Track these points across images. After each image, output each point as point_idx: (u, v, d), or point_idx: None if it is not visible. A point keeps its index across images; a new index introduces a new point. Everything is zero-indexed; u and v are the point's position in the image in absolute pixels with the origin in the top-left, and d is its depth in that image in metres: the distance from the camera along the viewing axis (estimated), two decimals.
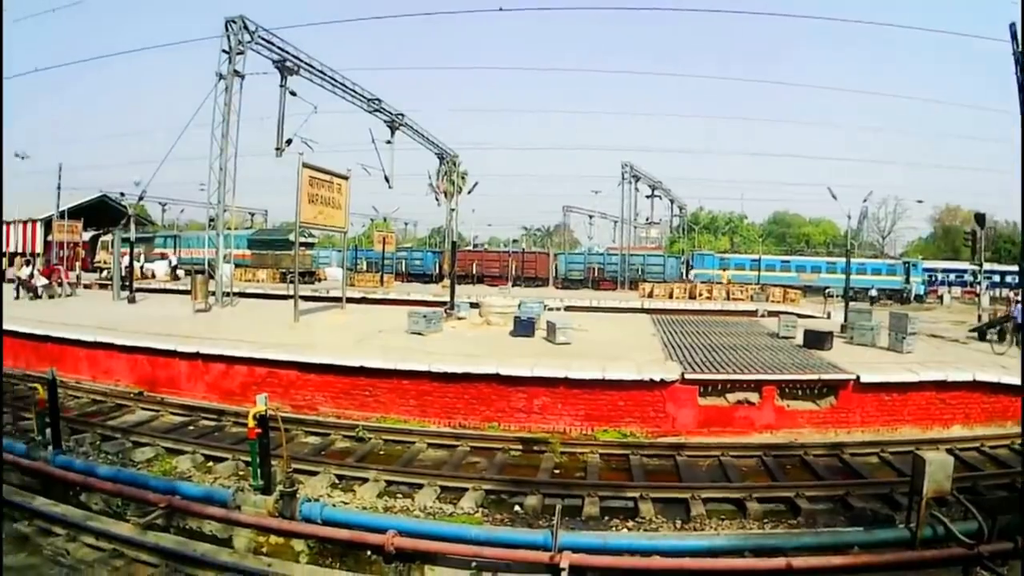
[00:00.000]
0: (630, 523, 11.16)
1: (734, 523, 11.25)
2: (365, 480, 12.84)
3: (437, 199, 58.92)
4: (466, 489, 12.41)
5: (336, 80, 40.03)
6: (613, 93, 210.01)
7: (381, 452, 14.98)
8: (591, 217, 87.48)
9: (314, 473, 13.02)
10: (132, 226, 37.55)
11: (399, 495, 12.37)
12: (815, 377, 16.75)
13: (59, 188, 67.05)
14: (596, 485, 12.58)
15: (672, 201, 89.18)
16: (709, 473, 13.82)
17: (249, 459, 12.59)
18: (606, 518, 11.38)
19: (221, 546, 9.93)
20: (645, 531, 10.75)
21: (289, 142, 35.05)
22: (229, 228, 35.24)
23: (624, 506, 11.89)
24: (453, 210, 58.42)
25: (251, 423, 10.59)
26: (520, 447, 14.94)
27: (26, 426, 15.94)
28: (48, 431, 12.94)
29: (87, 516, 10.72)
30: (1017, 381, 16.46)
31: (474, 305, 27.92)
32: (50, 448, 12.72)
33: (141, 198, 45.17)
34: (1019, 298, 25.10)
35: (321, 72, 38.33)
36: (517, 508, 11.75)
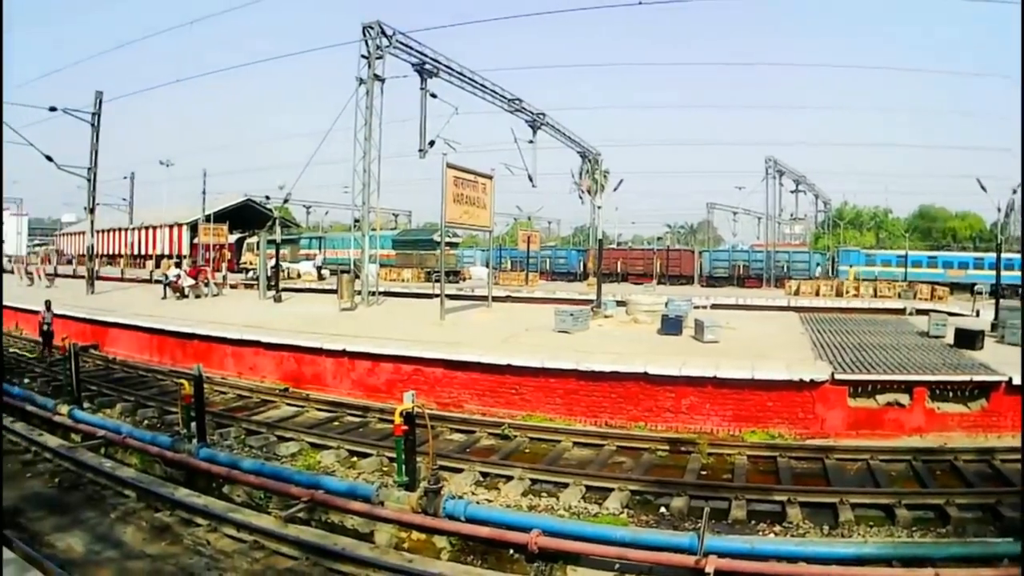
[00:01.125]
0: (777, 528, 10.75)
1: (882, 530, 10.70)
2: (510, 478, 12.75)
3: (581, 197, 58.77)
4: (611, 489, 12.18)
5: (476, 81, 40.19)
6: (756, 86, 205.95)
7: (526, 450, 14.91)
8: (735, 213, 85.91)
9: (459, 470, 12.99)
10: (278, 228, 38.53)
11: (544, 494, 12.23)
12: (966, 379, 15.76)
13: (204, 193, 69.34)
14: (743, 488, 12.16)
15: (816, 196, 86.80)
16: (858, 477, 13.21)
17: (393, 455, 12.70)
18: (752, 522, 11.00)
19: (362, 541, 9.99)
20: (792, 536, 10.33)
21: (432, 143, 35.40)
22: (374, 229, 35.69)
23: (771, 510, 11.45)
24: (599, 207, 58.03)
25: (398, 420, 10.62)
26: (667, 447, 14.60)
27: (171, 420, 16.70)
28: (193, 425, 13.28)
29: (229, 508, 10.96)
30: None
31: (621, 303, 27.64)
32: (194, 441, 13.07)
33: (286, 201, 46.35)
34: None
35: (460, 74, 38.53)
36: (663, 510, 11.47)
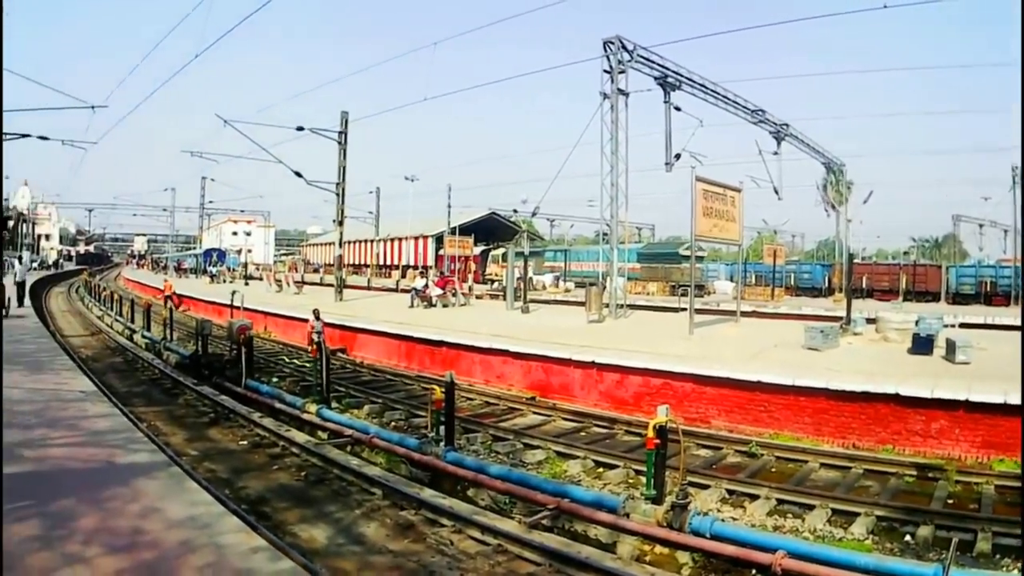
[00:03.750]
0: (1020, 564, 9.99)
1: None
2: (756, 497, 12.40)
3: (826, 210, 57.10)
4: (857, 514, 11.63)
5: (718, 93, 39.76)
6: (1001, 89, 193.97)
7: (773, 469, 14.44)
8: (981, 226, 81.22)
9: (705, 486, 12.74)
10: (525, 240, 39.23)
11: (789, 515, 11.83)
12: None
13: (449, 206, 71.49)
14: (989, 519, 11.28)
15: None
16: None
17: (640, 468, 12.69)
18: (997, 556, 10.28)
19: (605, 551, 9.90)
20: None
21: (678, 156, 35.20)
22: (622, 242, 35.74)
23: (1016, 544, 10.68)
24: (849, 221, 56.21)
25: (650, 433, 10.51)
26: (914, 472, 13.85)
27: (418, 423, 17.36)
28: (442, 429, 13.58)
29: (473, 511, 11.08)
30: None
31: (870, 320, 26.59)
32: (442, 445, 13.33)
33: (534, 214, 47.30)
34: None
35: (702, 86, 38.21)
36: (908, 538, 10.89)
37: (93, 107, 35.86)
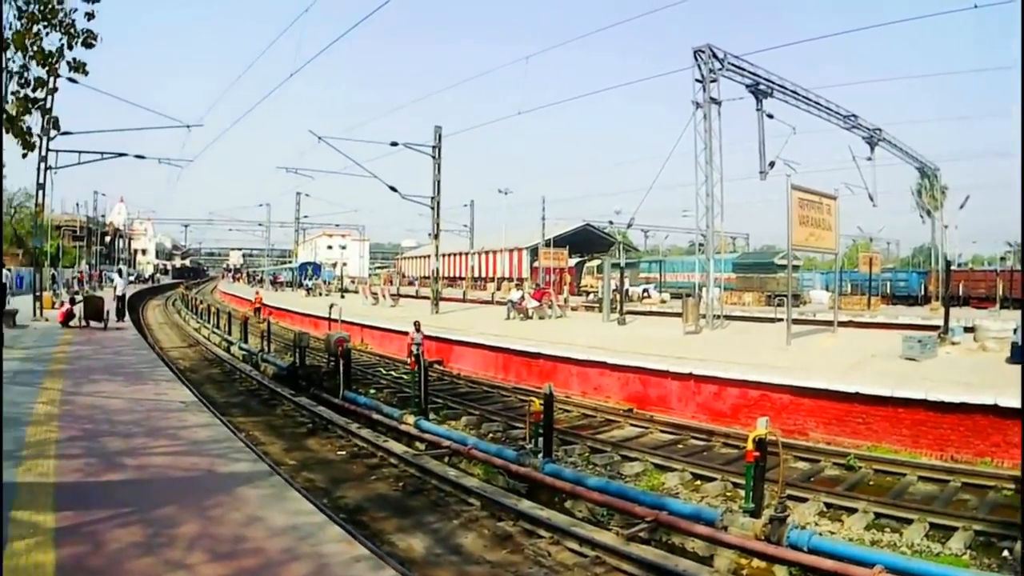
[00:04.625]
0: None
1: None
2: (853, 511, 12.23)
3: (921, 216, 55.90)
4: (955, 528, 11.40)
5: (809, 99, 39.15)
6: None
7: (871, 483, 14.22)
8: None
9: (803, 500, 12.65)
10: (621, 252, 39.21)
11: (887, 529, 11.67)
12: None
13: (543, 218, 71.61)
14: None
15: None
16: None
17: (737, 480, 12.62)
18: None
19: (702, 564, 9.95)
20: None
21: (772, 165, 34.84)
22: (717, 252, 35.46)
23: None
24: (945, 227, 54.94)
25: (750, 445, 10.48)
26: (1012, 486, 13.48)
27: (515, 435, 17.49)
28: (540, 441, 13.60)
29: (571, 522, 11.17)
30: None
31: (967, 329, 25.97)
32: (540, 456, 13.37)
33: (629, 225, 47.32)
34: None
35: (794, 92, 37.65)
36: (1005, 553, 10.67)
37: (189, 126, 37.09)
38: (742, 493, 11.54)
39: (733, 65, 32.92)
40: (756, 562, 9.93)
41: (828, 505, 12.59)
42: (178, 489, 9.40)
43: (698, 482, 14.13)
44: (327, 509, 9.96)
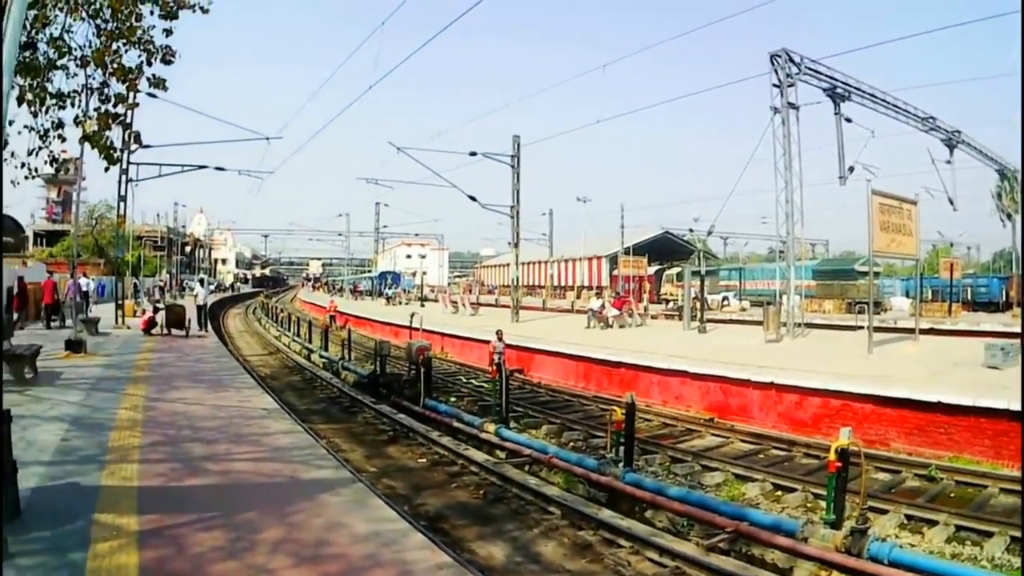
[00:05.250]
0: None
1: None
2: (934, 523, 12.09)
3: (1002, 219, 54.81)
4: None
5: (887, 102, 38.57)
6: None
7: (952, 494, 14.02)
8: None
9: (883, 511, 12.52)
10: (701, 259, 39.04)
11: (968, 542, 11.49)
12: None
13: (622, 226, 71.49)
14: None
15: None
16: None
17: (818, 492, 12.59)
18: None
19: None
20: None
21: (851, 169, 34.44)
22: (798, 259, 35.15)
23: None
24: None
25: (832, 456, 10.44)
26: None
27: (595, 444, 17.45)
28: (621, 450, 13.60)
29: (651, 532, 11.23)
30: None
31: None
32: (621, 466, 13.38)
33: (710, 232, 47.03)
34: None
35: (871, 95, 37.13)
36: None
37: (268, 138, 37.69)
38: (823, 504, 11.53)
39: (810, 69, 32.68)
40: (836, 574, 9.90)
41: (909, 517, 12.46)
42: (260, 495, 9.62)
43: (779, 492, 14.07)
44: (408, 516, 10.04)
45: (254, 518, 8.51)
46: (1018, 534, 11.48)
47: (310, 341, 37.93)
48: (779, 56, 31.45)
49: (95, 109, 14.31)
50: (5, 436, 7.65)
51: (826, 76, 33.83)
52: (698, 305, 37.91)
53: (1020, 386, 14.59)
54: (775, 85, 31.51)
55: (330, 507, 9.10)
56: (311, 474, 10.73)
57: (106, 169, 15.92)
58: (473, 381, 28.17)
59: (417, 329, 30.73)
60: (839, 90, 34.64)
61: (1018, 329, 27.10)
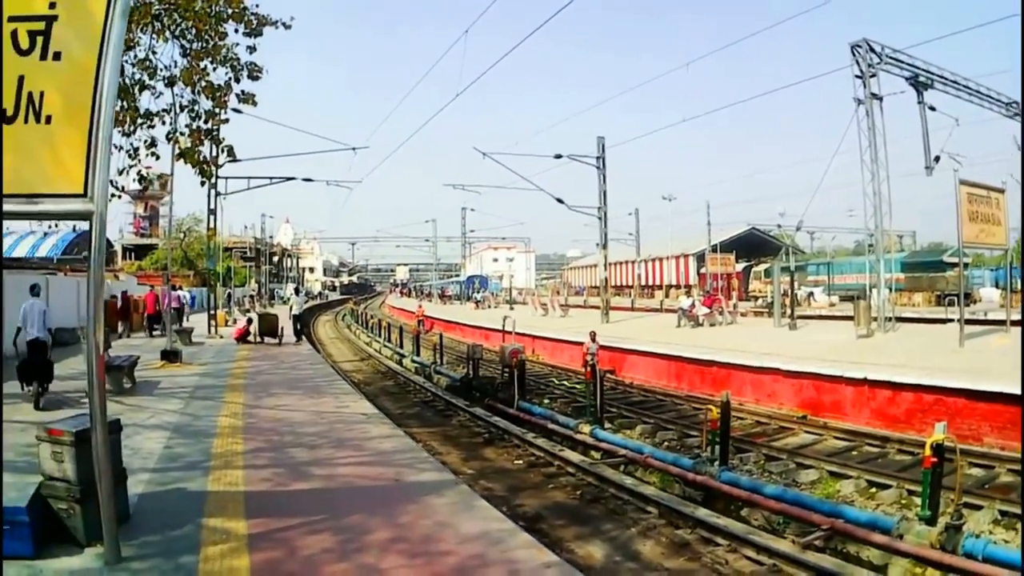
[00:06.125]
0: None
1: None
2: None
3: None
4: None
5: (970, 88, 37.86)
6: None
7: None
8: None
9: (977, 507, 12.45)
10: (791, 255, 38.69)
11: None
12: None
13: (708, 224, 71.08)
14: None
15: None
16: None
17: (912, 488, 12.69)
18: None
19: (876, 573, 10.05)
20: None
21: (937, 159, 33.93)
22: (886, 252, 34.68)
23: None
24: None
25: (927, 451, 10.47)
26: None
27: (690, 443, 17.62)
28: (716, 449, 13.74)
29: (747, 530, 11.33)
30: None
31: None
32: (716, 464, 13.52)
33: (798, 228, 46.58)
34: None
35: (954, 82, 36.49)
36: None
37: (355, 148, 38.63)
38: (917, 500, 11.61)
39: (891, 58, 32.21)
40: (931, 571, 9.94)
41: (1003, 513, 12.40)
42: (366, 497, 9.91)
43: (873, 489, 14.06)
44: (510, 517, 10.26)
45: (362, 520, 8.76)
46: None
47: (401, 346, 38.42)
48: (860, 46, 31.05)
49: (186, 126, 14.96)
50: (116, 444, 8.11)
51: (907, 64, 33.29)
52: (787, 301, 37.62)
53: (1020, 379, 14.40)
54: (857, 76, 31.10)
55: (436, 509, 9.32)
56: (415, 477, 10.97)
57: (201, 183, 16.54)
58: (565, 383, 28.39)
59: (510, 332, 31.07)
60: (921, 78, 34.08)
61: None
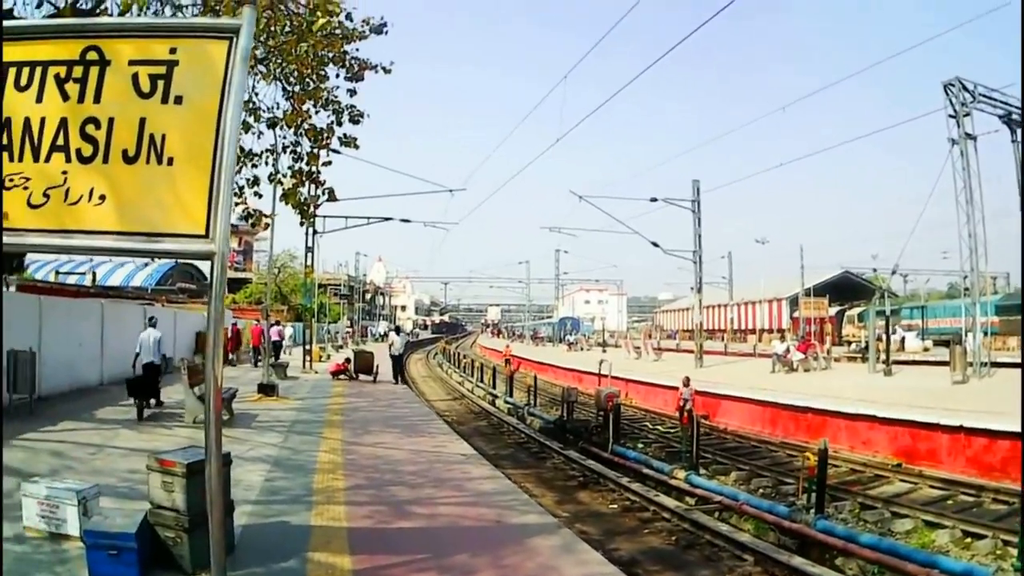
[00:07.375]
0: None
1: None
2: None
3: None
4: None
5: None
6: None
7: None
8: None
9: None
10: (886, 299, 38.14)
11: None
12: None
13: (802, 267, 70.46)
14: None
15: None
16: None
17: (1008, 538, 12.63)
18: None
19: None
20: None
21: None
22: (982, 295, 34.10)
23: None
24: None
25: None
26: None
27: (785, 491, 17.47)
28: (811, 496, 13.90)
29: None
30: None
31: None
32: (812, 512, 13.66)
33: (894, 272, 45.90)
34: None
35: None
36: None
37: (452, 191, 39.35)
38: (1013, 551, 11.59)
39: (984, 96, 31.87)
40: None
41: None
42: (469, 538, 9.98)
43: (968, 539, 13.94)
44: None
45: (466, 560, 8.83)
46: None
47: (494, 387, 38.78)
48: (952, 85, 30.87)
49: (288, 167, 15.47)
50: (227, 476, 8.30)
51: (1001, 103, 33.00)
52: (881, 347, 37.07)
53: (1020, 397, 14.21)
54: (951, 115, 30.92)
55: (539, 551, 9.38)
56: (517, 519, 11.00)
57: (301, 224, 17.06)
58: (659, 427, 28.40)
59: (606, 376, 31.12)
60: (1015, 116, 33.71)
61: None
